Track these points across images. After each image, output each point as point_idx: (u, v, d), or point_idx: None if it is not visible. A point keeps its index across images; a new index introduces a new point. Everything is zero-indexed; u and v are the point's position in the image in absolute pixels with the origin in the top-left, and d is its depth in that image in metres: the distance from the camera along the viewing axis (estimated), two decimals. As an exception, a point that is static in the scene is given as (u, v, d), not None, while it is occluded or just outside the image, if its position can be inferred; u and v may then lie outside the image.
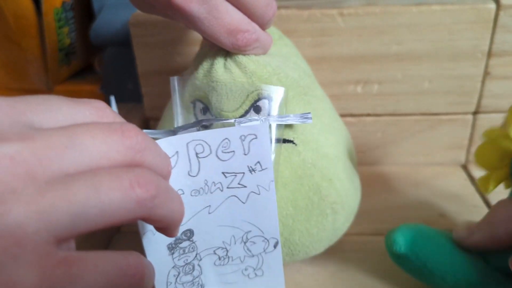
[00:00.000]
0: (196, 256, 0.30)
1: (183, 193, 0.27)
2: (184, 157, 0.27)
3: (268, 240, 0.29)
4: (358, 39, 0.40)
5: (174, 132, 0.28)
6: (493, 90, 0.41)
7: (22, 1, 0.47)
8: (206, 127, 0.29)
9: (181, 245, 0.29)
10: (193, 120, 0.30)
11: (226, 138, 0.26)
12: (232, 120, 0.28)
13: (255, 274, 0.31)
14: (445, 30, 0.39)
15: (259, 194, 0.28)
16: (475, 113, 0.43)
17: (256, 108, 0.29)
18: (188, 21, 0.26)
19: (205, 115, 0.29)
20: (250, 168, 0.27)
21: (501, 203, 0.30)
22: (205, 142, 0.26)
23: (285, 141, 0.30)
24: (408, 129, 0.44)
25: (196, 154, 0.26)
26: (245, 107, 0.29)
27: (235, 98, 0.28)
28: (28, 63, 0.51)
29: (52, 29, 0.51)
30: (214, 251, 0.30)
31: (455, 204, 0.40)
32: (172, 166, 0.25)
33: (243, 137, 0.26)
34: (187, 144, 0.26)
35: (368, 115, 0.43)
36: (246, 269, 0.30)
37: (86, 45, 0.58)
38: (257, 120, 0.28)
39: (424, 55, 0.40)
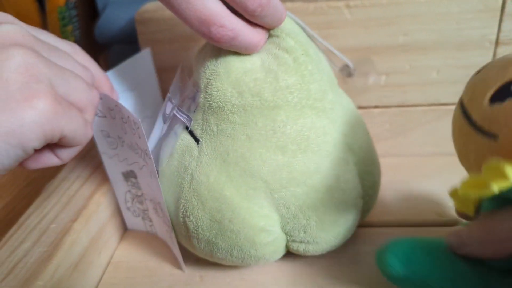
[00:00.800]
0: (142, 194, 0.35)
1: (124, 141, 0.32)
2: (118, 114, 0.30)
3: (168, 220, 0.31)
4: (364, 31, 0.40)
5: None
6: (501, 78, 0.41)
7: (26, 0, 0.47)
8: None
9: (131, 179, 0.34)
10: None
11: (128, 116, 0.29)
12: (168, 95, 0.31)
13: (172, 242, 0.33)
14: (452, 20, 0.39)
15: (153, 177, 0.30)
16: (483, 102, 0.43)
17: (193, 98, 0.31)
18: (165, 2, 0.25)
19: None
20: (144, 152, 0.30)
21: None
22: (121, 111, 0.29)
23: (194, 137, 0.30)
24: (416, 120, 0.44)
25: (121, 118, 0.30)
26: (194, 91, 0.31)
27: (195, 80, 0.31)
28: (33, 62, 0.51)
29: (56, 28, 0.51)
30: (150, 199, 0.34)
31: (465, 194, 0.40)
32: (113, 117, 0.30)
33: (133, 122, 0.28)
34: (115, 106, 0.29)
35: (376, 106, 0.43)
36: (167, 231, 0.33)
37: (91, 43, 0.58)
38: (171, 103, 0.31)
39: (431, 45, 0.40)
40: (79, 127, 0.24)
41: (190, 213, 0.29)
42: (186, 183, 0.29)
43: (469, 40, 0.40)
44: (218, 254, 0.30)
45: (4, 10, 0.46)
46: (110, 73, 0.33)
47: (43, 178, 0.60)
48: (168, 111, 0.31)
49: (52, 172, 0.60)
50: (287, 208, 0.29)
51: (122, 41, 0.47)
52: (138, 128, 0.28)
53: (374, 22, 0.39)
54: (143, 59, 0.36)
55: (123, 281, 0.33)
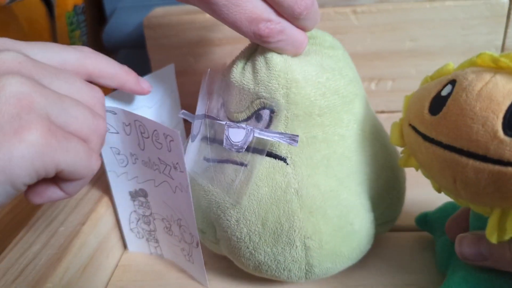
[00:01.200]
0: (151, 214, 0.34)
1: (137, 159, 0.31)
2: (134, 130, 0.30)
3: (192, 236, 0.31)
4: (371, 36, 0.40)
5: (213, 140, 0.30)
6: (507, 84, 0.41)
7: (35, 5, 0.48)
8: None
9: (139, 198, 0.34)
10: (216, 114, 0.30)
11: (156, 130, 0.28)
12: (224, 122, 0.29)
13: (188, 259, 0.33)
14: (458, 26, 0.39)
15: (181, 191, 0.30)
16: (489, 107, 0.43)
17: (257, 116, 0.28)
18: (207, 8, 0.26)
19: (222, 109, 0.30)
20: (173, 165, 0.29)
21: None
22: (144, 126, 0.29)
23: (277, 157, 0.28)
24: (422, 125, 0.44)
25: (141, 132, 0.29)
26: (249, 112, 0.28)
27: (242, 101, 0.28)
28: (41, 67, 0.52)
29: (64, 32, 0.51)
30: (162, 218, 0.34)
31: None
32: (128, 133, 0.30)
33: (165, 135, 0.28)
34: (134, 121, 0.29)
35: (382, 111, 0.43)
36: (183, 250, 0.33)
37: (98, 48, 0.58)
38: (243, 128, 0.28)
39: (438, 50, 0.40)
40: (79, 160, 0.22)
41: (311, 233, 0.28)
42: (295, 203, 0.27)
43: (475, 46, 0.40)
44: (340, 263, 0.29)
45: (14, 16, 0.46)
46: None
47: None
48: (238, 139, 0.28)
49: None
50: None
51: (129, 46, 0.48)
52: (172, 141, 0.27)
53: (380, 28, 0.40)
54: (167, 74, 0.36)
55: (130, 284, 0.33)
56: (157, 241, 0.35)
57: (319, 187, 0.27)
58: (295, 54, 0.28)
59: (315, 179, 0.28)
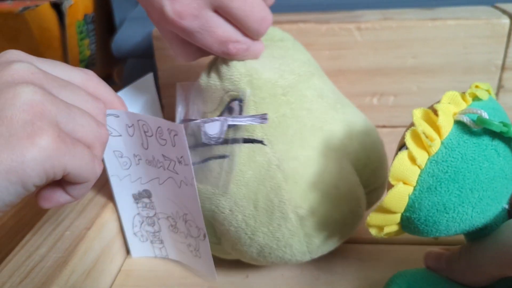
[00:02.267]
0: (155, 214, 0.35)
1: (140, 159, 0.32)
2: (138, 130, 0.31)
3: (199, 229, 0.32)
4: (374, 53, 0.41)
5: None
6: (507, 102, 0.42)
7: (47, 14, 0.49)
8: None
9: (143, 200, 0.34)
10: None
11: (160, 127, 0.29)
12: (199, 120, 0.31)
13: (195, 254, 0.34)
14: (459, 44, 0.40)
15: (186, 185, 0.30)
16: (489, 125, 0.44)
17: (229, 109, 0.31)
18: (183, 34, 0.29)
19: (198, 115, 0.32)
20: (178, 160, 0.30)
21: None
22: (148, 124, 0.30)
23: (254, 141, 0.30)
24: (423, 140, 0.45)
25: (144, 132, 0.30)
26: (221, 108, 0.31)
27: (212, 101, 0.32)
28: (50, 74, 0.53)
29: (74, 41, 0.52)
30: (167, 217, 0.34)
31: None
32: (131, 134, 0.31)
33: (169, 130, 0.29)
34: (138, 121, 0.30)
35: (384, 126, 0.44)
36: (189, 245, 0.34)
37: (106, 56, 0.60)
38: (217, 120, 0.31)
39: (439, 68, 0.41)
40: (84, 164, 0.24)
41: (301, 201, 0.29)
42: (279, 177, 0.29)
43: (475, 64, 0.41)
44: (338, 230, 0.30)
45: (26, 23, 0.48)
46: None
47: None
48: (214, 131, 0.31)
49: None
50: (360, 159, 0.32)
51: (137, 55, 0.49)
52: (176, 135, 0.28)
53: (383, 45, 0.41)
54: (146, 83, 0.37)
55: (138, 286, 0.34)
56: (161, 241, 0.36)
57: (298, 158, 0.29)
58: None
59: (292, 152, 0.30)
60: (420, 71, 0.41)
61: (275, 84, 0.31)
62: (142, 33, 0.48)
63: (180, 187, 0.31)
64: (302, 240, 0.30)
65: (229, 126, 0.31)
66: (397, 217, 0.24)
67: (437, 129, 0.22)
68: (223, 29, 0.29)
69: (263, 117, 0.30)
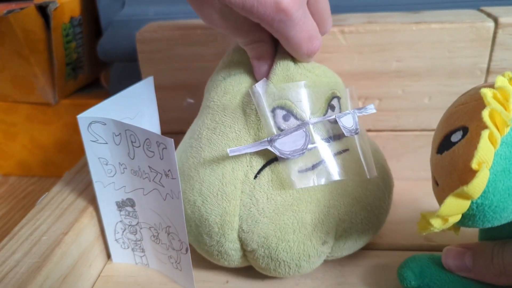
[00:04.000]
0: (138, 223, 0.35)
1: (126, 168, 0.32)
2: (125, 139, 0.31)
3: (182, 243, 0.32)
4: (359, 56, 0.41)
5: (270, 141, 0.30)
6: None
7: (32, 16, 0.49)
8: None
9: (126, 208, 0.34)
10: (273, 129, 0.30)
11: (148, 139, 0.29)
12: (333, 116, 0.32)
13: (176, 266, 0.34)
14: (444, 48, 0.40)
15: (172, 198, 0.30)
16: (475, 129, 0.43)
17: (331, 106, 0.32)
18: (283, 24, 0.28)
19: (288, 121, 0.31)
20: (165, 173, 0.30)
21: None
22: (136, 135, 0.30)
23: (357, 130, 0.32)
24: (409, 144, 0.44)
25: (132, 142, 0.30)
26: (325, 106, 0.32)
27: (317, 99, 0.31)
28: (36, 77, 0.53)
29: (60, 44, 0.52)
30: (149, 227, 0.34)
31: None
32: (117, 143, 0.31)
33: (158, 143, 0.29)
34: (125, 130, 0.30)
35: (369, 130, 0.44)
36: (170, 257, 0.34)
37: (93, 60, 0.59)
38: (349, 113, 0.33)
39: (424, 72, 0.41)
40: None
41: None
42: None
43: (460, 68, 0.40)
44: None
45: (11, 26, 0.47)
46: (112, 99, 0.33)
47: (40, 190, 0.60)
48: (350, 124, 0.33)
49: (49, 185, 0.61)
50: None
51: (123, 59, 0.49)
52: (165, 148, 0.28)
53: (368, 48, 0.40)
54: (146, 86, 0.36)
55: (112, 295, 0.34)
56: (143, 250, 0.36)
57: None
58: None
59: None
60: (405, 74, 0.41)
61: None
62: (127, 37, 0.47)
63: (166, 199, 0.31)
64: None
65: (331, 122, 0.32)
66: (467, 205, 0.22)
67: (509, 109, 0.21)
68: (311, 23, 0.29)
69: (370, 108, 0.34)
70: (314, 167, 0.30)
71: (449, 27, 0.39)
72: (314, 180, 0.30)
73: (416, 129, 0.44)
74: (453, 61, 0.40)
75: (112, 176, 0.33)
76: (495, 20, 0.39)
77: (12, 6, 0.49)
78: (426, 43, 0.40)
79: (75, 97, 0.58)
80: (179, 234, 0.31)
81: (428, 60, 0.40)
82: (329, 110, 0.32)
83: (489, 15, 0.40)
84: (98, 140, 0.31)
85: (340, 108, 0.33)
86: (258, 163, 0.31)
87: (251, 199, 0.30)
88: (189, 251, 0.31)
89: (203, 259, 0.34)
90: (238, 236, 0.31)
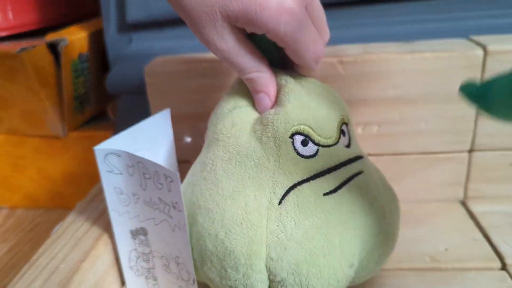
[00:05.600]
0: (150, 251, 0.35)
1: (139, 198, 0.33)
2: (137, 171, 0.32)
3: (189, 274, 0.33)
4: (357, 85, 0.43)
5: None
6: (486, 129, 0.44)
7: (43, 54, 0.51)
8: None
9: (140, 236, 0.35)
10: (294, 155, 0.32)
11: (157, 171, 0.30)
12: (347, 141, 0.35)
13: None
14: (437, 75, 0.42)
15: (179, 229, 0.31)
16: (471, 151, 0.45)
17: (342, 132, 0.34)
18: (289, 26, 0.28)
19: (306, 146, 0.32)
20: (173, 205, 0.31)
21: None
22: (146, 167, 0.31)
23: (361, 157, 0.35)
24: (408, 167, 0.46)
25: (143, 173, 0.31)
26: (338, 131, 0.33)
27: (331, 124, 0.33)
28: (46, 111, 0.54)
29: (69, 79, 0.54)
30: (161, 256, 0.35)
31: (457, 238, 0.41)
32: (131, 174, 0.32)
33: (165, 176, 0.30)
34: (137, 162, 0.31)
35: (370, 154, 0.46)
36: (180, 287, 0.34)
37: (99, 93, 0.61)
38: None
39: (419, 98, 0.43)
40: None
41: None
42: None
43: (453, 94, 0.43)
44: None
45: (23, 63, 0.49)
46: (129, 131, 0.35)
47: (48, 222, 0.61)
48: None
49: (56, 217, 0.62)
50: None
51: (131, 92, 0.51)
52: (172, 181, 0.29)
53: (365, 77, 0.43)
54: (162, 118, 0.38)
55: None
56: (155, 278, 0.37)
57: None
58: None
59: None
60: (401, 101, 0.43)
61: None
62: (135, 71, 0.50)
63: (174, 230, 0.32)
64: None
65: (348, 145, 0.34)
66: None
67: None
68: (313, 27, 0.30)
69: None
70: (336, 189, 0.31)
71: (441, 56, 0.42)
72: (336, 203, 0.31)
73: (414, 152, 0.46)
74: (446, 88, 0.43)
75: (127, 206, 0.34)
76: (484, 48, 0.41)
77: (24, 43, 0.51)
78: (420, 71, 0.42)
79: (82, 130, 0.59)
80: (186, 265, 0.32)
81: (422, 86, 0.43)
82: (341, 135, 0.33)
83: (478, 43, 0.43)
84: (113, 170, 0.33)
85: (348, 133, 0.35)
86: (281, 189, 0.31)
87: (278, 226, 0.30)
88: (196, 282, 0.32)
89: None
90: (266, 265, 0.30)
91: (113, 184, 0.34)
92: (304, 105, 0.32)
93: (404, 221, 0.44)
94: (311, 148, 0.32)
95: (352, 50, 0.44)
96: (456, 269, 0.38)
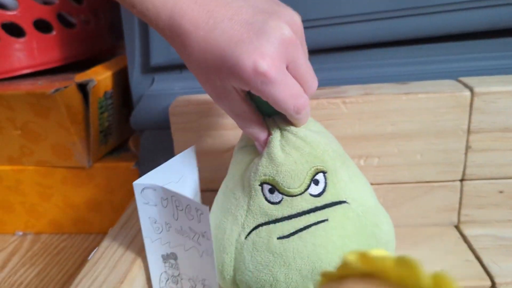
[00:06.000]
0: (179, 274, 0.40)
1: (171, 227, 0.38)
2: (171, 203, 0.37)
3: None
4: (359, 122, 0.48)
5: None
6: (475, 160, 0.49)
7: (74, 94, 0.56)
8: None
9: (170, 260, 0.40)
10: (262, 200, 0.37)
11: (189, 205, 0.35)
12: (312, 191, 0.37)
13: None
14: (430, 113, 0.47)
15: (207, 255, 0.36)
16: (462, 180, 0.50)
17: (315, 181, 0.37)
18: (266, 85, 0.31)
19: (273, 193, 0.37)
20: (202, 234, 0.36)
21: None
22: (180, 200, 0.36)
23: (341, 202, 0.37)
24: (405, 195, 0.51)
25: (176, 206, 0.36)
26: (307, 181, 0.36)
27: (298, 176, 0.36)
28: (74, 144, 0.59)
29: (95, 115, 0.59)
30: (189, 278, 0.39)
31: (451, 259, 0.46)
32: (165, 206, 0.37)
33: (196, 209, 0.35)
34: (171, 196, 0.36)
35: (371, 184, 0.50)
36: None
37: (121, 125, 0.67)
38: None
39: (415, 133, 0.48)
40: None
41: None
42: (370, 225, 0.38)
43: (445, 129, 0.48)
44: None
45: (56, 102, 0.55)
46: (162, 166, 0.39)
47: (72, 246, 0.66)
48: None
49: (80, 242, 0.66)
50: None
51: (153, 127, 0.56)
52: (202, 214, 0.34)
53: (366, 115, 0.48)
54: (189, 154, 0.42)
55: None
56: None
57: (371, 207, 0.39)
58: (303, 124, 0.37)
59: (367, 204, 0.39)
60: (398, 136, 0.48)
61: (340, 154, 0.39)
62: (157, 108, 0.55)
63: (202, 256, 0.37)
64: None
65: (317, 195, 0.36)
66: None
67: None
68: (293, 82, 0.32)
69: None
70: (290, 235, 0.36)
71: (433, 96, 0.47)
72: (286, 247, 0.36)
73: (411, 181, 0.50)
74: (438, 124, 0.48)
75: (160, 233, 0.39)
76: (471, 90, 0.47)
77: (56, 84, 0.57)
78: (415, 110, 0.47)
79: (105, 161, 0.64)
80: (212, 287, 0.37)
81: (417, 123, 0.48)
82: (313, 185, 0.36)
83: (465, 85, 0.48)
84: (149, 202, 0.38)
85: (325, 182, 0.37)
86: (248, 227, 0.37)
87: (240, 255, 0.37)
88: None
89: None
90: (234, 280, 0.38)
91: (148, 214, 0.38)
92: (273, 160, 0.36)
93: (402, 243, 0.48)
94: (277, 196, 0.37)
95: (353, 91, 0.49)
96: None
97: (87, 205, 0.66)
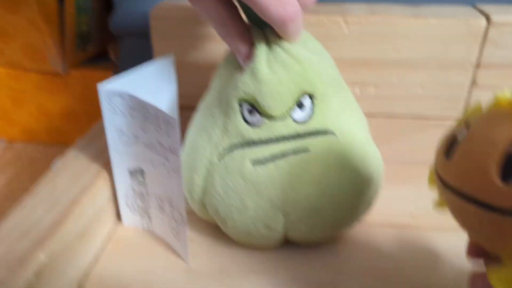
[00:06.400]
0: (146, 192, 0.38)
1: (139, 140, 0.35)
2: (139, 114, 0.33)
3: (182, 216, 0.35)
4: (359, 45, 0.43)
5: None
6: (478, 97, 0.45)
7: (47, -12, 0.50)
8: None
9: (137, 176, 0.37)
10: (240, 120, 0.33)
11: (157, 115, 0.32)
12: (295, 116, 0.33)
13: (175, 236, 0.37)
14: (438, 41, 0.43)
15: (174, 173, 0.33)
16: (462, 119, 0.47)
17: (299, 104, 0.33)
18: None
19: (252, 114, 0.33)
20: (170, 149, 0.32)
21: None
22: (148, 111, 0.32)
23: (326, 132, 0.33)
24: (399, 130, 0.48)
25: (145, 117, 0.33)
26: (291, 104, 0.32)
27: (282, 98, 0.32)
28: (47, 47, 0.54)
29: (72, 16, 0.54)
30: (156, 197, 0.37)
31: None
32: (133, 117, 0.34)
33: (165, 121, 0.31)
34: (140, 106, 0.33)
35: (364, 114, 0.47)
36: (172, 228, 0.37)
37: (102, 32, 0.61)
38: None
39: (419, 62, 0.44)
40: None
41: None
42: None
43: (452, 61, 0.43)
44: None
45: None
46: (134, 74, 0.35)
47: (46, 157, 0.63)
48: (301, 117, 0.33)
49: (54, 152, 0.63)
50: None
51: (135, 35, 0.51)
52: (171, 126, 0.30)
53: (368, 38, 0.43)
54: (166, 64, 0.38)
55: (122, 254, 0.37)
56: (149, 217, 0.39)
57: (361, 140, 0.35)
58: (295, 40, 0.32)
59: (357, 138, 0.35)
60: (401, 64, 0.44)
61: (336, 81, 0.35)
62: (139, 13, 0.50)
63: (170, 174, 0.34)
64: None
65: (301, 121, 0.33)
66: None
67: None
68: None
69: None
70: (265, 161, 0.32)
71: (444, 23, 0.42)
72: (260, 174, 0.32)
73: (408, 116, 0.47)
74: (445, 54, 0.43)
75: (127, 146, 0.36)
76: (487, 18, 0.42)
77: (27, -24, 0.51)
78: (423, 36, 0.43)
79: (84, 68, 0.60)
80: (179, 207, 0.34)
81: (423, 52, 0.43)
82: (297, 108, 0.33)
83: (482, 12, 0.43)
84: (116, 111, 0.34)
85: (312, 108, 0.33)
86: (222, 147, 0.34)
87: (211, 177, 0.34)
88: (186, 224, 0.34)
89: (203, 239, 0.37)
90: (202, 202, 0.35)
91: (115, 124, 0.35)
92: (256, 76, 0.31)
93: (389, 180, 0.46)
94: (256, 117, 0.32)
95: (358, 9, 0.44)
96: (435, 228, 0.40)
97: (62, 114, 0.62)
